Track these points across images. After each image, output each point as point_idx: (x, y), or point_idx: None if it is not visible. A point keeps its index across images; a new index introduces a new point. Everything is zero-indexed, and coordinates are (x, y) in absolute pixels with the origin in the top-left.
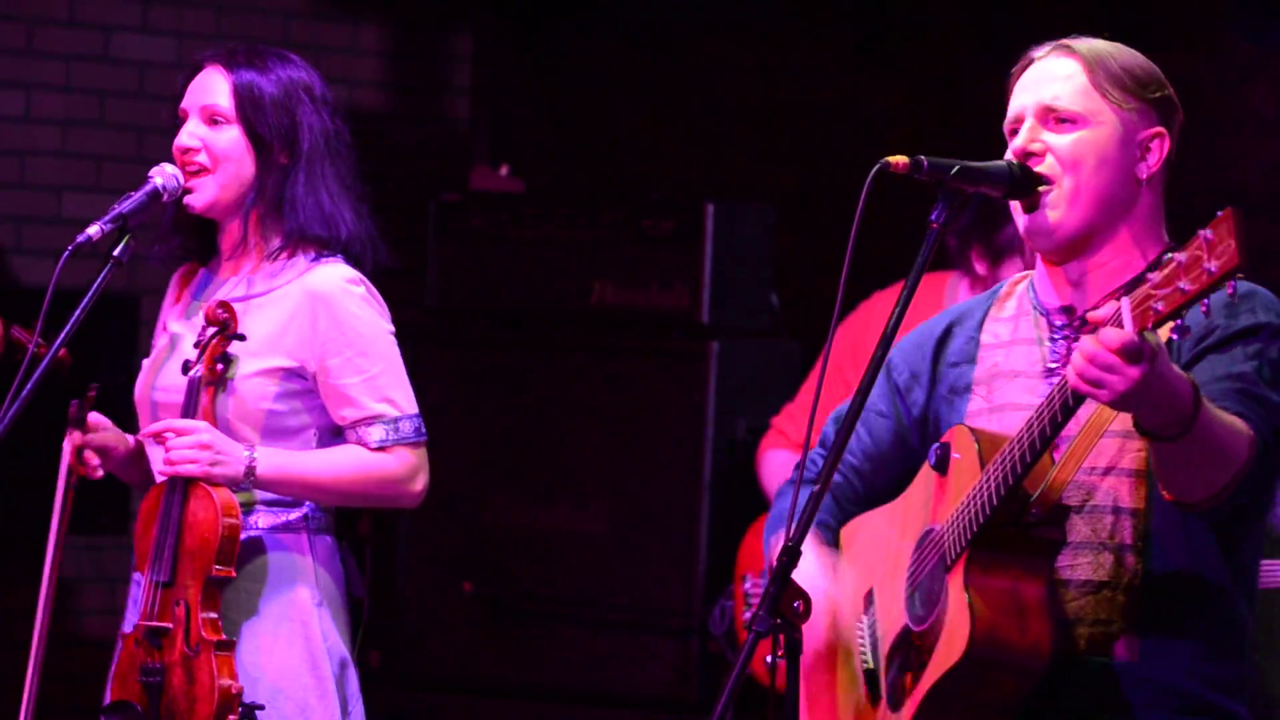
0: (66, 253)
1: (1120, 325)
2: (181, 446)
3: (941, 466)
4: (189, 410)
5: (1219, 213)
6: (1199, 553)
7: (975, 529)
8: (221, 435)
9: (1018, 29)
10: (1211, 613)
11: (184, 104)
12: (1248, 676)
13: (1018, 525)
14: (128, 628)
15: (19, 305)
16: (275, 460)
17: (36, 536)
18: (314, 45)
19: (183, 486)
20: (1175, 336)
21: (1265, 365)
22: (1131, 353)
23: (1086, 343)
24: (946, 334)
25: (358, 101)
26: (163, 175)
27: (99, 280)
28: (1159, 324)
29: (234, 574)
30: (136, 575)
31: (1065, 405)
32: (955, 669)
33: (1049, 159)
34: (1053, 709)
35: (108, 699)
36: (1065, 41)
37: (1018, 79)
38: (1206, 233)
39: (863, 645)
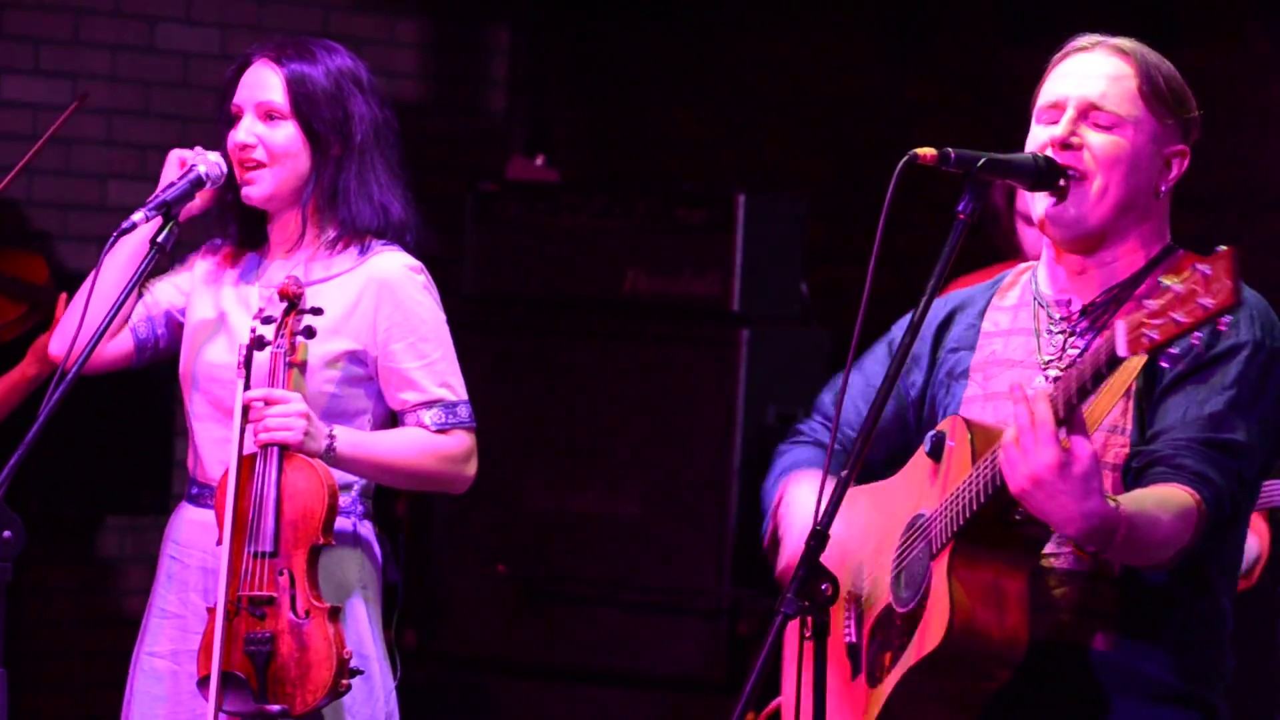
0: (112, 240)
1: (1114, 344)
2: (278, 415)
3: (936, 454)
4: (272, 384)
5: (1218, 249)
6: None
7: (962, 522)
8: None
9: (1048, 22)
10: (1193, 606)
11: (237, 100)
12: (1225, 668)
13: (1004, 522)
14: (210, 601)
15: (64, 290)
16: (351, 438)
17: (73, 518)
18: (352, 37)
19: (277, 457)
20: (1166, 365)
21: (1244, 388)
22: (1047, 447)
23: (1020, 413)
24: (949, 319)
25: (396, 93)
26: (205, 163)
27: (142, 266)
28: (1154, 351)
29: (334, 542)
30: (216, 548)
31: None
32: (932, 655)
33: (1085, 155)
34: (1031, 693)
35: (199, 673)
36: (1116, 42)
37: (1057, 65)
38: (1205, 268)
39: (847, 619)
